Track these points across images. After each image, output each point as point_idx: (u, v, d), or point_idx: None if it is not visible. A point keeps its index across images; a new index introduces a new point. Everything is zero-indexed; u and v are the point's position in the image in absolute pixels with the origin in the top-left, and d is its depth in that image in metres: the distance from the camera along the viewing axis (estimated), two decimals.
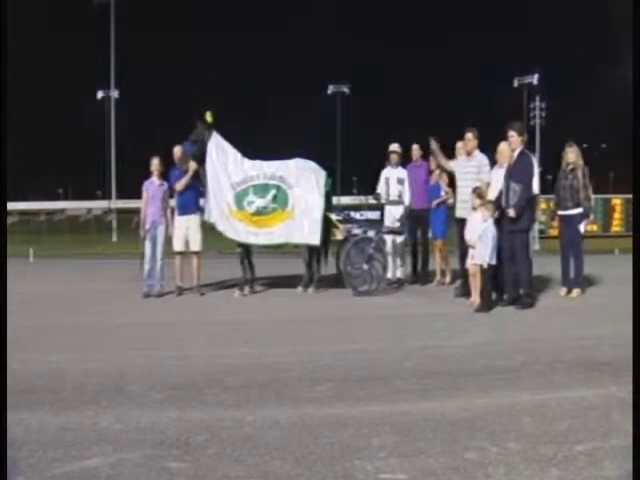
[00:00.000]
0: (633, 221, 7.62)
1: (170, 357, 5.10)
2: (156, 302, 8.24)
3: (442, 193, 9.46)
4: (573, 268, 8.15)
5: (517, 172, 7.31)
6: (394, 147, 9.59)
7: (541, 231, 20.44)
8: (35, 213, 55.71)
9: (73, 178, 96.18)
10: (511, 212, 7.20)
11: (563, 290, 8.17)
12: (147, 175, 8.86)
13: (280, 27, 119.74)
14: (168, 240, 8.75)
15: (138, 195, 8.97)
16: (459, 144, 8.52)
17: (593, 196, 8.35)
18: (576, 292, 8.05)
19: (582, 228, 8.11)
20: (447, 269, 9.61)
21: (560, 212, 8.32)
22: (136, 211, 8.90)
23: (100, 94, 37.76)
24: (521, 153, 7.44)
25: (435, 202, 9.43)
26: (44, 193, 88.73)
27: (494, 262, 7.25)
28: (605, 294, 8.25)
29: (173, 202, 8.92)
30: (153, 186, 8.74)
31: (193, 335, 6.05)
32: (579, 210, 8.08)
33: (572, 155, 8.16)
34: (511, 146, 7.46)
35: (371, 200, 10.53)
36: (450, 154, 8.77)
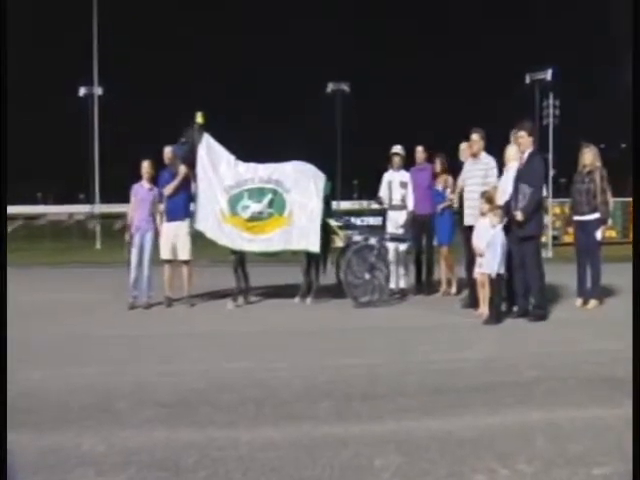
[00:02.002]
0: (633, 223, 7.59)
1: (159, 373, 5.13)
2: (144, 314, 8.26)
3: (447, 197, 9.41)
4: (590, 277, 8.14)
5: (527, 174, 7.32)
6: (396, 149, 9.60)
7: (555, 237, 20.48)
8: (13, 218, 55.61)
9: (53, 181, 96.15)
10: (518, 215, 7.21)
11: (579, 301, 8.16)
12: (135, 178, 8.89)
13: (276, 23, 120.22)
14: (156, 248, 8.77)
15: (123, 199, 9.01)
16: (463, 145, 8.55)
17: (612, 200, 8.29)
18: (593, 303, 8.05)
19: (599, 235, 8.06)
20: (453, 278, 9.63)
21: (576, 217, 8.30)
22: (121, 216, 8.98)
23: (82, 91, 37.61)
24: (532, 154, 7.46)
25: (440, 207, 9.40)
26: (22, 197, 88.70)
27: (503, 271, 7.28)
28: (624, 305, 8.22)
29: (162, 207, 8.93)
30: (143, 190, 8.76)
31: (184, 349, 6.08)
32: (596, 215, 8.04)
33: (589, 156, 8.11)
34: (521, 147, 7.48)
35: (373, 205, 10.57)
36: (453, 157, 8.83)
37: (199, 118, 8.70)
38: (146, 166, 8.79)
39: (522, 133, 7.46)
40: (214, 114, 10.46)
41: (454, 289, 9.54)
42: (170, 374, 5.08)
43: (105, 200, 36.60)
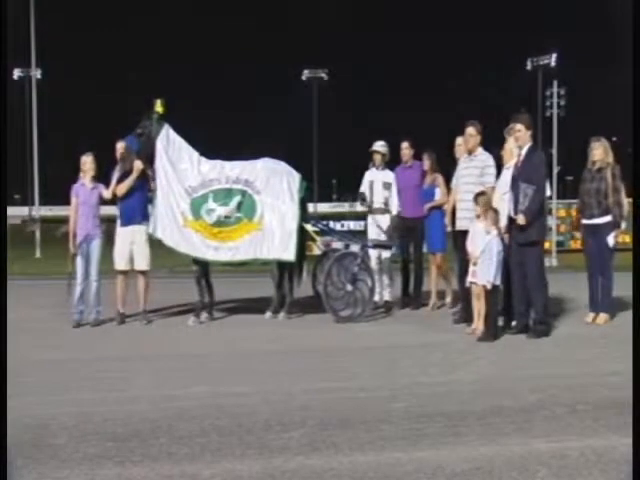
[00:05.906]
0: (633, 223, 7.68)
1: (108, 400, 5.10)
2: (92, 332, 8.21)
3: (437, 198, 9.41)
4: (600, 288, 8.19)
5: (527, 172, 7.39)
6: (377, 146, 9.57)
7: (560, 243, 20.76)
8: None
9: None
10: (520, 219, 7.29)
11: (590, 315, 8.21)
12: (78, 177, 8.74)
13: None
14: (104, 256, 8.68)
15: (67, 200, 8.87)
16: (459, 140, 8.63)
17: (626, 200, 8.26)
18: (603, 317, 8.11)
19: (611, 240, 8.10)
20: (449, 289, 9.68)
21: (584, 221, 8.35)
22: (65, 220, 8.81)
23: (17, 73, 37.17)
24: (530, 149, 7.54)
25: (427, 206, 9.39)
26: None
27: (499, 282, 7.36)
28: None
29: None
30: (84, 190, 8.60)
31: (137, 372, 6.05)
32: (607, 218, 8.09)
33: (599, 151, 8.16)
34: (518, 142, 7.56)
35: (360, 207, 10.56)
36: (446, 156, 8.91)
37: (158, 107, 8.62)
38: (88, 161, 8.62)
39: (519, 126, 7.53)
40: (176, 104, 10.44)
41: (447, 301, 9.60)
42: (120, 402, 5.05)
43: (46, 201, 36.16)
